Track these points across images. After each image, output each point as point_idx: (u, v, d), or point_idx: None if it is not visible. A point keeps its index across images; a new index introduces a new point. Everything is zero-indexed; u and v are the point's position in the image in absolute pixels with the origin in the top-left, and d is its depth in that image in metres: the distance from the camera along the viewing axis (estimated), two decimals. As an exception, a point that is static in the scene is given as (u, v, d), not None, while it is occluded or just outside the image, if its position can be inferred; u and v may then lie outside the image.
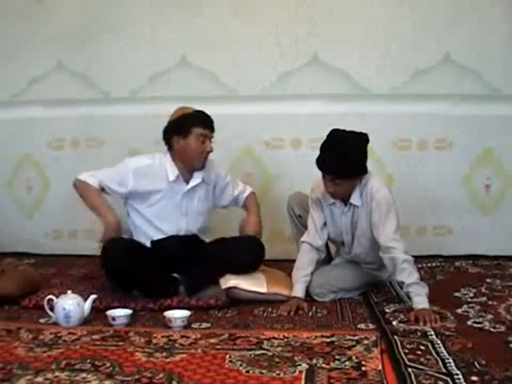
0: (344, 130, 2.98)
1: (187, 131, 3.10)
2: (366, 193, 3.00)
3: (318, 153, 3.79)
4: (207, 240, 3.31)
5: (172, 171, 3.15)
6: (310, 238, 3.12)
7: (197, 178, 3.20)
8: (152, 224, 3.17)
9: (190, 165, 3.16)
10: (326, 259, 3.33)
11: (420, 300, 2.73)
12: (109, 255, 2.94)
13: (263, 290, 3.03)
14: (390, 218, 2.94)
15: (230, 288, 3.01)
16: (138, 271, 2.93)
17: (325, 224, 3.13)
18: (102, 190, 3.16)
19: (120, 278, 2.98)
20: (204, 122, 3.12)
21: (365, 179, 3.01)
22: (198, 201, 3.24)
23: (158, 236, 3.17)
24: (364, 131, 3.01)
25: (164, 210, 3.17)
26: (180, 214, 3.20)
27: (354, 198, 3.01)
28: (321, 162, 2.93)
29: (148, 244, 3.17)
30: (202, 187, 3.24)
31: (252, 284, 3.04)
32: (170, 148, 3.17)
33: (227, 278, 3.05)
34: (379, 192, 2.97)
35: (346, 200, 3.04)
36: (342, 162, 2.89)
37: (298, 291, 3.00)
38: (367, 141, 2.98)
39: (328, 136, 2.98)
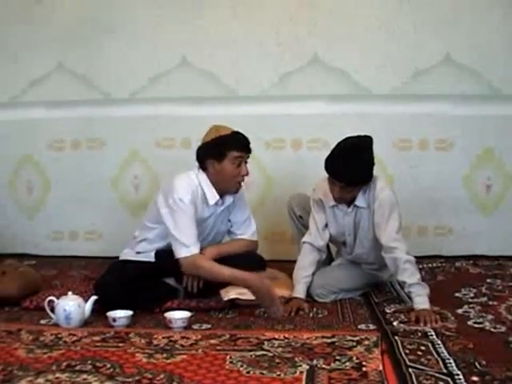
0: (356, 137, 2.95)
1: (222, 155, 2.95)
2: (370, 194, 3.00)
3: (317, 153, 3.83)
4: None
5: (212, 195, 3.02)
6: (311, 238, 3.12)
7: (229, 200, 3.10)
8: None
9: (226, 188, 3.04)
10: (327, 260, 3.33)
11: (421, 300, 2.73)
12: (102, 292, 2.83)
13: None
14: (392, 218, 2.94)
15: (231, 300, 2.98)
16: (133, 303, 2.81)
17: (326, 225, 3.13)
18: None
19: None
20: (239, 144, 2.98)
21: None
22: (221, 221, 3.16)
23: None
24: (364, 132, 3.00)
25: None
26: (204, 235, 3.10)
27: (359, 200, 3.01)
28: (335, 172, 2.90)
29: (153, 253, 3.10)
30: (228, 209, 3.14)
31: None
32: (204, 169, 3.03)
33: (228, 289, 3.00)
34: (382, 192, 2.97)
35: (349, 202, 3.04)
36: (358, 172, 2.90)
37: (299, 292, 2.99)
38: (371, 147, 2.98)
39: (342, 144, 2.95)
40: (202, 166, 3.04)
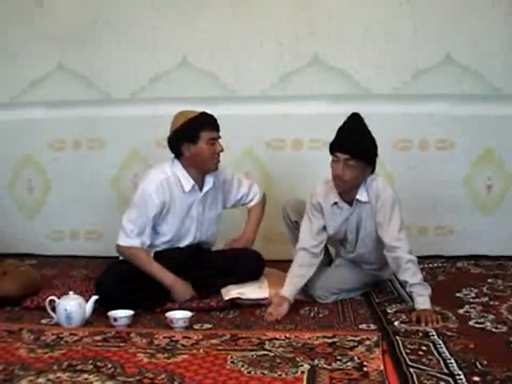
0: (357, 115, 3.01)
1: (196, 137, 3.00)
2: (372, 192, 2.99)
3: (318, 153, 3.85)
4: (213, 248, 3.30)
5: (187, 181, 3.06)
6: (305, 243, 3.05)
7: (209, 183, 3.13)
8: (169, 239, 3.12)
9: (204, 169, 3.08)
10: (327, 261, 3.32)
11: (422, 300, 2.74)
12: (102, 291, 2.85)
13: (265, 295, 3.01)
14: (394, 217, 2.93)
15: (232, 299, 2.99)
16: (133, 301, 2.82)
17: (323, 228, 3.11)
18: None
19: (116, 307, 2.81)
20: (210, 124, 3.04)
21: (370, 178, 3.00)
22: (209, 207, 3.18)
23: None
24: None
25: (181, 223, 3.10)
26: (196, 224, 3.14)
27: (361, 195, 2.99)
28: (338, 142, 2.92)
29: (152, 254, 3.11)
30: (212, 192, 3.16)
31: (253, 291, 3.03)
32: (180, 156, 3.07)
33: (228, 288, 3.03)
34: (385, 192, 2.97)
35: (350, 200, 3.02)
36: (361, 140, 2.92)
37: (286, 291, 2.92)
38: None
39: (348, 118, 2.99)
40: (177, 153, 3.08)
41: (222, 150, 3.08)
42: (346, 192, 3.00)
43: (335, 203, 3.05)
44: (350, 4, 4.09)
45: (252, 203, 3.39)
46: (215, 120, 3.07)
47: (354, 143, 2.89)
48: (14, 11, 4.30)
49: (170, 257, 3.10)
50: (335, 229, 3.10)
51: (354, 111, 3.97)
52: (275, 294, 2.95)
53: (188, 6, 4.16)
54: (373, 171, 3.01)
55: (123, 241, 3.02)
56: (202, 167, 3.08)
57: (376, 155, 2.98)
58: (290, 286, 2.95)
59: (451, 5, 4.04)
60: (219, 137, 3.08)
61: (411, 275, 2.80)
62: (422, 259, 3.68)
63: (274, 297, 2.94)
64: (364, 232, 3.06)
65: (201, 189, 3.12)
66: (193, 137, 3.01)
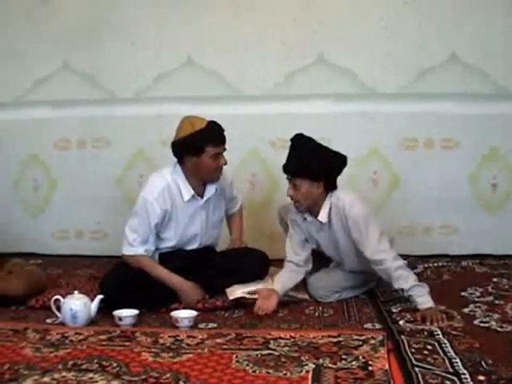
0: (300, 134, 2.98)
1: (200, 151, 2.93)
2: (338, 210, 2.95)
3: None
4: (216, 249, 3.30)
5: (187, 191, 3.02)
6: (292, 256, 3.08)
7: (210, 191, 3.09)
8: (174, 245, 3.11)
9: (206, 179, 3.05)
10: (327, 261, 3.31)
11: (424, 300, 2.73)
12: (106, 291, 2.84)
13: None
14: (370, 230, 2.90)
15: (236, 299, 2.98)
16: (137, 302, 2.81)
17: (307, 240, 3.11)
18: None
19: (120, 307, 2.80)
20: (216, 139, 2.96)
21: (336, 197, 2.97)
22: (213, 212, 3.16)
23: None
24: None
25: (184, 230, 3.08)
26: (201, 231, 3.13)
27: (321, 216, 2.98)
28: (283, 165, 2.95)
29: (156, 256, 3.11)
30: (213, 198, 3.13)
31: None
32: (182, 163, 3.02)
33: (233, 288, 3.02)
34: (353, 209, 2.92)
35: (315, 216, 3.02)
36: (300, 159, 2.90)
37: (276, 286, 2.96)
38: (336, 157, 2.97)
39: (292, 140, 2.98)
40: (180, 161, 3.03)
41: (226, 164, 3.03)
42: (305, 211, 3.01)
43: (305, 219, 3.05)
44: (355, 3, 4.09)
45: (234, 210, 3.40)
46: (222, 132, 2.99)
47: (294, 163, 2.91)
48: (18, 11, 4.31)
49: (174, 259, 3.09)
50: (314, 244, 3.12)
51: (359, 110, 4.06)
52: (263, 288, 2.96)
53: (192, 6, 4.16)
54: (332, 186, 2.97)
55: (127, 250, 3.01)
56: (203, 178, 3.05)
57: (326, 171, 2.93)
58: (280, 284, 2.98)
59: (456, 4, 4.03)
60: (225, 149, 3.02)
61: (405, 281, 2.78)
62: (426, 258, 3.71)
63: (262, 290, 2.93)
64: (343, 247, 3.04)
65: (202, 196, 3.09)
66: (197, 150, 2.94)
